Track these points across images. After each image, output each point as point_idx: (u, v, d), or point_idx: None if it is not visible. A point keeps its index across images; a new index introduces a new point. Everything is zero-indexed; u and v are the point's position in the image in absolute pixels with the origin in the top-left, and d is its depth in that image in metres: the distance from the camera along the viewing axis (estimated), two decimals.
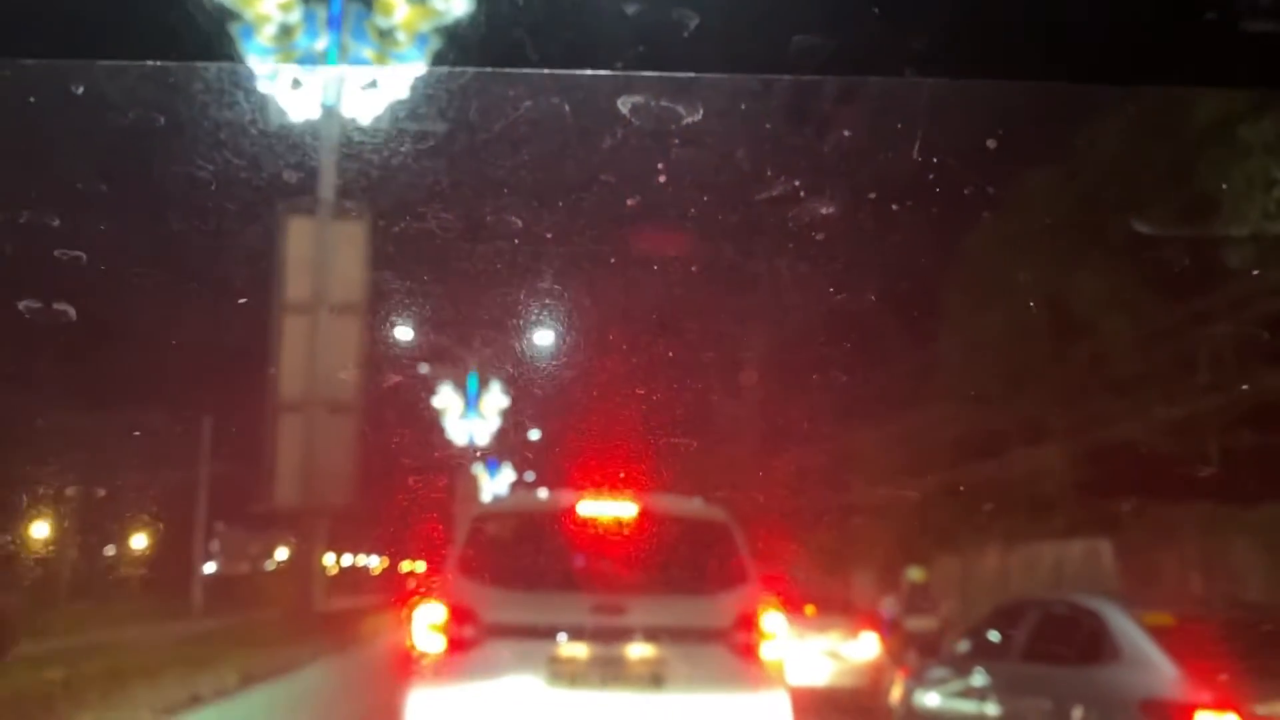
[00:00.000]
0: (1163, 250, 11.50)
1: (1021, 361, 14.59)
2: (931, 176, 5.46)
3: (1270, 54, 2.16)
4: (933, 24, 1.91)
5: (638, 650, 5.69)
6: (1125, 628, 5.79)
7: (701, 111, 4.03)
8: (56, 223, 5.51)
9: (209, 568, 24.82)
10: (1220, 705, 4.99)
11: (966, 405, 15.70)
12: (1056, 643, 6.39)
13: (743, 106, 4.90)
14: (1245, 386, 12.62)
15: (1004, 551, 16.48)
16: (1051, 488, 15.50)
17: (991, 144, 5.31)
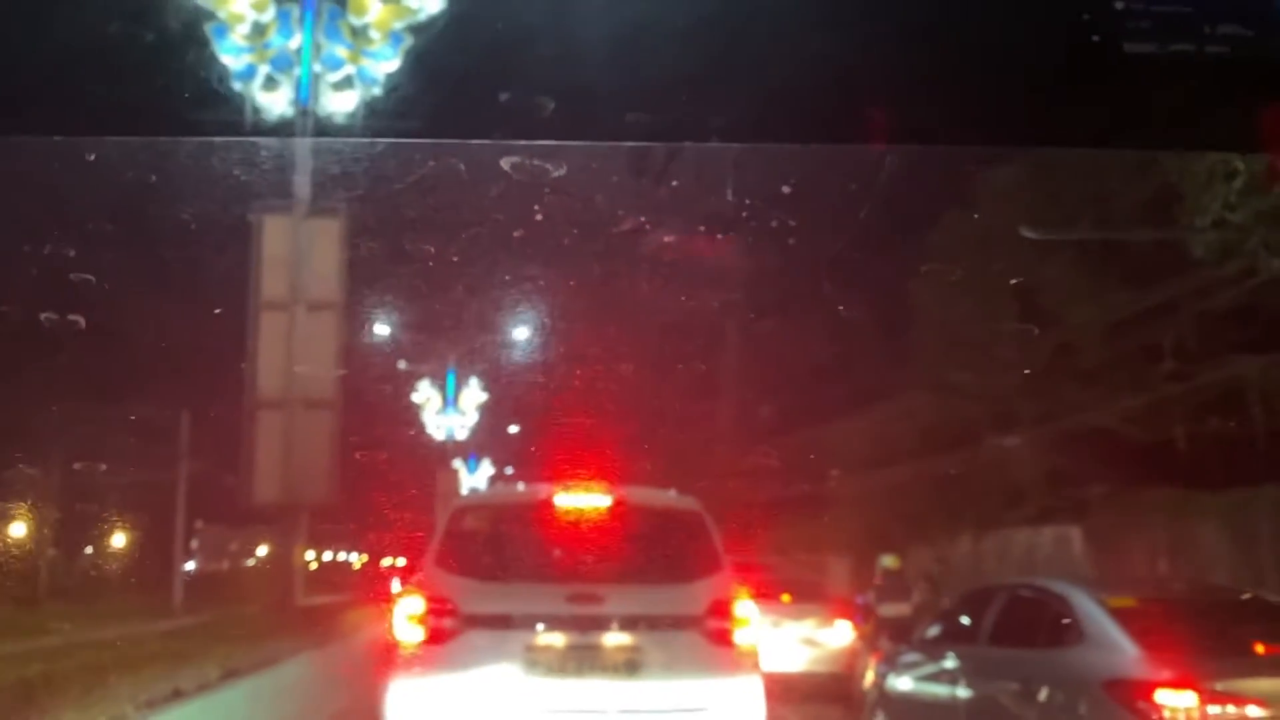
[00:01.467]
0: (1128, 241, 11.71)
1: (991, 352, 14.79)
2: (744, 214, 7.51)
3: (1150, 72, 2.39)
4: (730, 103, 2.68)
5: (613, 638, 5.80)
6: (1089, 610, 5.93)
7: (565, 168, 5.44)
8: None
9: (189, 565, 24.74)
10: (1179, 683, 5.13)
11: (938, 395, 15.88)
12: (1023, 626, 6.53)
13: (594, 165, 6.33)
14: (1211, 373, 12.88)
15: (976, 539, 16.71)
16: (1022, 475, 15.72)
17: (786, 189, 6.84)
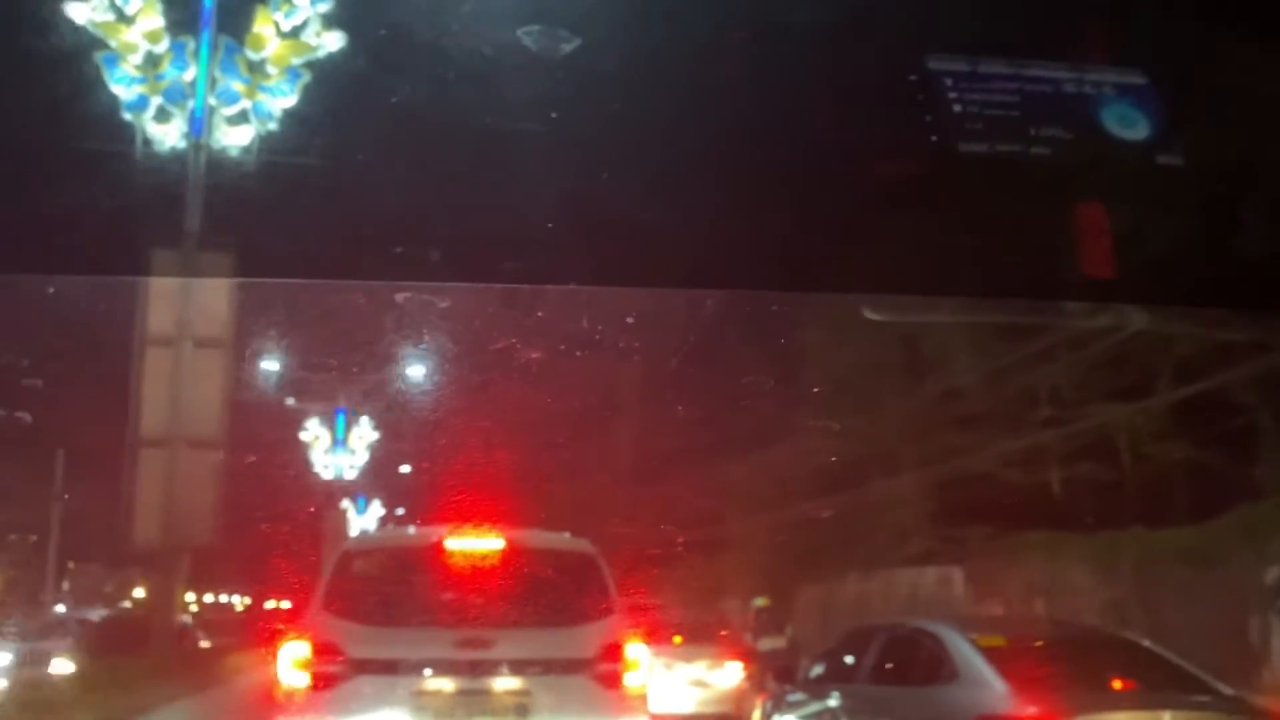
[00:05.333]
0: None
1: (877, 397, 15.21)
2: (597, 336, 10.11)
3: (985, 170, 2.67)
4: (580, 256, 3.60)
5: (503, 682, 5.80)
6: (961, 649, 6.18)
7: (449, 301, 7.05)
8: None
9: (59, 608, 23.58)
10: (1044, 718, 5.39)
11: (827, 439, 16.22)
12: (901, 665, 6.76)
13: (474, 299, 7.90)
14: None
15: (863, 579, 17.07)
16: (907, 517, 16.14)
17: (630, 319, 9.83)
